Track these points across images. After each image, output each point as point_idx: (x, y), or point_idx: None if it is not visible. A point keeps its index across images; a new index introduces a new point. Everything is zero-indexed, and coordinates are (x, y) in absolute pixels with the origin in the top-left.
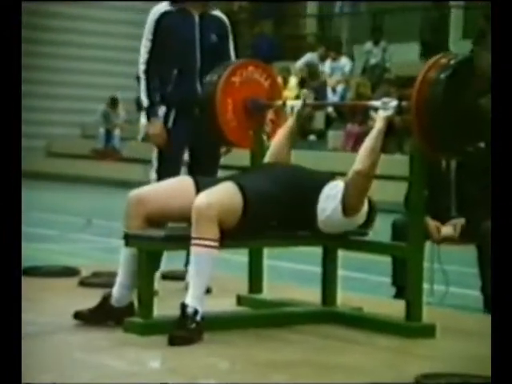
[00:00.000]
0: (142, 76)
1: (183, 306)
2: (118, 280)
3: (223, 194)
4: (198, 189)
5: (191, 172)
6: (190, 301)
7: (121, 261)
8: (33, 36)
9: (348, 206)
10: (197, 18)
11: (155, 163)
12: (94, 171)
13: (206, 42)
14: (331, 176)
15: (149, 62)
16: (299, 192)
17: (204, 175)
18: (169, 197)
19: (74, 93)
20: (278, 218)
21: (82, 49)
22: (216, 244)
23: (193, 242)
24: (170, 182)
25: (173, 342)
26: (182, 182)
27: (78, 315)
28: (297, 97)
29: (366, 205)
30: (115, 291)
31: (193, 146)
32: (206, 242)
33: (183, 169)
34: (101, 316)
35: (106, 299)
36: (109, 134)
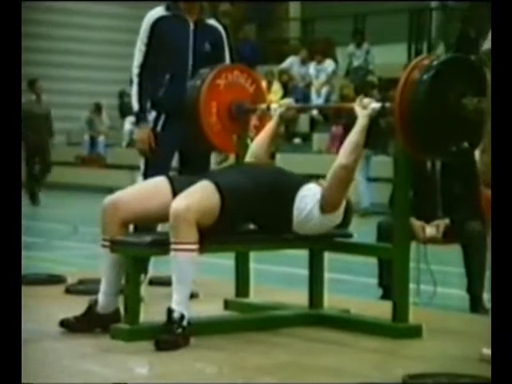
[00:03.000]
0: (135, 80)
1: (169, 311)
2: (102, 287)
3: (200, 195)
4: (174, 189)
5: None
6: (176, 306)
7: (103, 268)
8: None
9: (328, 201)
10: (191, 26)
11: (142, 168)
12: (78, 178)
13: (199, 50)
14: (306, 179)
15: (143, 66)
16: (276, 192)
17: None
18: (144, 200)
19: (58, 100)
20: (254, 217)
21: (65, 55)
22: (196, 247)
23: (172, 246)
24: (144, 185)
25: (159, 346)
26: (157, 184)
27: (63, 323)
28: (281, 98)
29: (343, 204)
30: (100, 298)
31: (183, 152)
32: (186, 246)
33: (172, 174)
34: (87, 323)
35: (91, 306)
36: (93, 141)
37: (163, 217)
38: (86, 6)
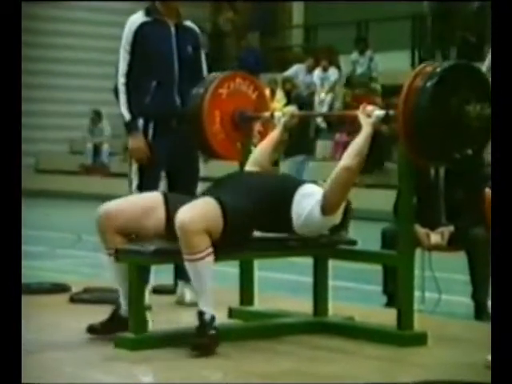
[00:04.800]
0: (122, 89)
1: (200, 314)
2: (122, 292)
3: (203, 208)
4: (168, 206)
5: (170, 185)
6: (206, 308)
7: (115, 274)
8: None
9: (330, 203)
10: (173, 29)
11: (136, 179)
12: (82, 187)
13: (183, 54)
14: (301, 182)
15: (128, 75)
16: (272, 200)
17: (184, 188)
18: (136, 213)
19: (61, 109)
20: (255, 228)
21: (65, 64)
22: (209, 251)
23: (186, 258)
24: (138, 199)
25: (196, 350)
26: (151, 199)
27: (90, 329)
28: (285, 105)
29: (343, 205)
30: (123, 302)
31: (172, 160)
32: (199, 255)
33: (163, 183)
34: (112, 327)
35: (116, 310)
36: (97, 150)
37: (156, 233)
38: (86, 14)
